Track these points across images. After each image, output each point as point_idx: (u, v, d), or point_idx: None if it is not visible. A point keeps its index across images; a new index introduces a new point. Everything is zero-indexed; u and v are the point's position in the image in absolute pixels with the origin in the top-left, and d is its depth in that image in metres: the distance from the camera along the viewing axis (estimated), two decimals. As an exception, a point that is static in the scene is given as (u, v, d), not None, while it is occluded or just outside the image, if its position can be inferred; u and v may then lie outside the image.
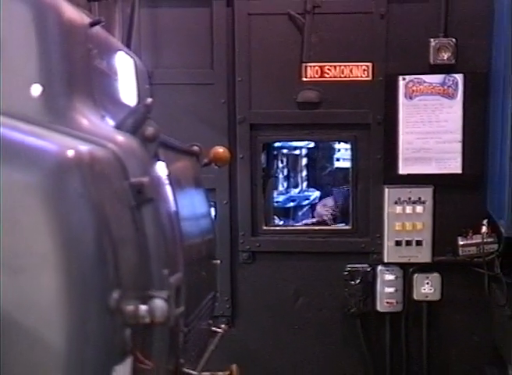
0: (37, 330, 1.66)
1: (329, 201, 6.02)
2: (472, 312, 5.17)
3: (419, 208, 5.05)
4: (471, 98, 4.98)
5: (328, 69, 5.03)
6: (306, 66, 5.04)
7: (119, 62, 2.54)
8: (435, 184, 5.07)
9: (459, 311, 5.20)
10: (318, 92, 5.06)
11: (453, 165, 5.02)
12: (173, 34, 5.10)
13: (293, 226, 5.88)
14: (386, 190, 5.08)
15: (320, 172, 6.91)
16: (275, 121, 5.17)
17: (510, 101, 4.41)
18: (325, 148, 6.80)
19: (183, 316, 2.15)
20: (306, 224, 5.83)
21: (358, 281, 5.16)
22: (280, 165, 6.60)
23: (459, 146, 5.00)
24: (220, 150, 3.16)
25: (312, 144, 6.51)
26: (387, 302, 5.15)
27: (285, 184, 6.82)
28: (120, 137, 2.02)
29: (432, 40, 4.93)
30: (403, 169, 5.05)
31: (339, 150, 6.64)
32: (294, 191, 6.84)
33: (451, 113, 4.99)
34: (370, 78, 5.04)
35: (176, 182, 2.36)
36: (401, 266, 5.15)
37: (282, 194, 6.61)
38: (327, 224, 5.69)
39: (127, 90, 2.57)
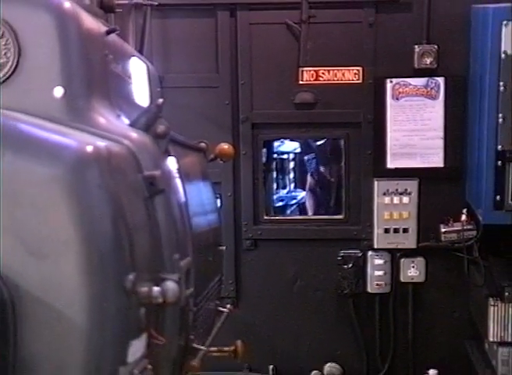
0: (62, 309, 1.66)
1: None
2: (453, 292, 5.16)
3: (405, 199, 5.04)
4: (451, 98, 4.97)
5: (323, 73, 5.02)
6: (302, 70, 5.02)
7: (132, 67, 2.53)
8: (419, 177, 5.06)
9: (441, 291, 5.19)
10: (313, 94, 5.04)
11: (436, 159, 5.01)
12: (182, 42, 5.09)
13: (291, 216, 5.86)
14: (376, 182, 5.07)
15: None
16: (275, 120, 5.16)
17: (486, 102, 4.44)
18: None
19: (192, 297, 2.15)
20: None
21: (350, 265, 5.15)
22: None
23: (441, 142, 4.99)
24: (225, 146, 3.15)
25: (299, 150, 6.44)
26: (377, 284, 5.15)
27: (274, 186, 6.75)
28: (134, 134, 2.01)
29: (416, 46, 4.91)
30: (391, 164, 5.04)
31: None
32: (283, 192, 6.81)
33: (433, 113, 4.97)
34: (360, 81, 5.03)
35: (185, 175, 2.35)
36: (389, 251, 5.14)
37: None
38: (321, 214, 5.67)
39: (140, 92, 2.56)
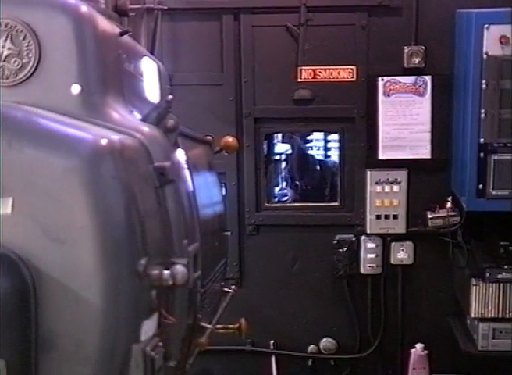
0: (79, 291, 1.66)
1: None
2: (439, 273, 5.15)
3: (396, 188, 5.02)
4: (437, 95, 4.94)
5: (320, 72, 5.00)
6: (301, 69, 5.00)
7: (144, 66, 2.52)
8: (408, 168, 5.03)
9: (428, 272, 5.18)
10: (310, 91, 5.02)
11: (424, 151, 4.99)
12: (190, 44, 5.06)
13: (290, 203, 5.83)
14: (368, 172, 5.04)
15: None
16: (276, 115, 5.13)
17: (469, 98, 4.42)
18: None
19: (199, 279, 2.13)
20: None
21: (345, 249, 5.14)
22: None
23: (428, 135, 4.96)
24: (229, 139, 3.14)
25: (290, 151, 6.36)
26: (369, 266, 5.13)
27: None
28: (146, 128, 2.01)
29: (405, 47, 4.88)
30: (382, 155, 5.01)
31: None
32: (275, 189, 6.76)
33: (421, 108, 4.95)
34: (354, 79, 5.00)
35: (193, 166, 2.34)
36: (381, 235, 5.12)
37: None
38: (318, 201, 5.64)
39: (151, 89, 2.54)
